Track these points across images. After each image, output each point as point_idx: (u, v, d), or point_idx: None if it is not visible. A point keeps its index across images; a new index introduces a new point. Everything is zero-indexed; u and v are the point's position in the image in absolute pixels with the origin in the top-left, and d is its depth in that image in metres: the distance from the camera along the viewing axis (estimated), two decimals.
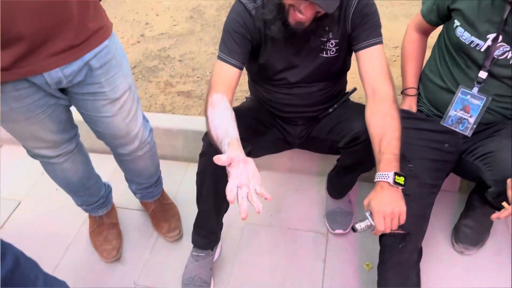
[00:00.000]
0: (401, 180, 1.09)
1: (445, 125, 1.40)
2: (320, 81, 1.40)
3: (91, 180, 1.55)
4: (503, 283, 1.50)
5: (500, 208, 1.17)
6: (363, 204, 1.15)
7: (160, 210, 1.73)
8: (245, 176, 0.96)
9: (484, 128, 1.37)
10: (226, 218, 1.49)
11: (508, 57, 1.24)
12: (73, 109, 1.32)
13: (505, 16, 1.20)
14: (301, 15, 1.12)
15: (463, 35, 1.28)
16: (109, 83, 1.21)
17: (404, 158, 1.14)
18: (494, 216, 1.14)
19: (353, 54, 1.32)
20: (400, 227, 1.11)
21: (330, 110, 1.47)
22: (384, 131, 1.14)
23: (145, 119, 1.48)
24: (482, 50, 1.26)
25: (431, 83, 1.44)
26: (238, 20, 1.25)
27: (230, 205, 1.11)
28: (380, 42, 1.25)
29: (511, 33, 1.21)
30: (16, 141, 1.31)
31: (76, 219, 1.79)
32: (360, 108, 1.31)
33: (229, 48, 1.25)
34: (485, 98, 1.31)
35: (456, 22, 1.30)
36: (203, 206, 1.42)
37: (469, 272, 1.54)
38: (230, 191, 0.94)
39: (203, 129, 1.23)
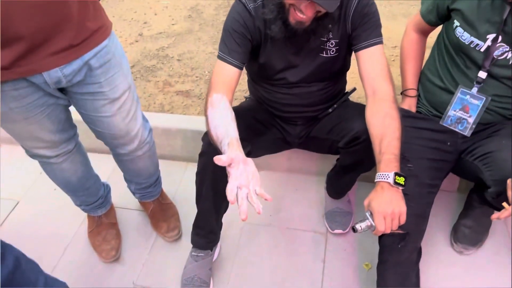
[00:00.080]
0: (401, 180, 1.09)
1: (444, 124, 1.40)
2: (320, 81, 1.39)
3: (90, 180, 1.55)
4: (502, 283, 1.50)
5: (499, 208, 1.17)
6: (362, 204, 1.15)
7: (159, 210, 1.73)
8: (245, 176, 0.96)
9: (483, 128, 1.37)
10: (226, 218, 1.48)
11: (507, 57, 1.25)
12: (72, 108, 1.31)
13: (504, 16, 1.20)
14: (301, 15, 1.12)
15: (463, 35, 1.28)
16: (109, 83, 1.21)
17: (403, 157, 1.14)
18: (494, 216, 1.15)
19: (353, 54, 1.33)
20: (400, 227, 1.11)
21: (330, 110, 1.47)
22: (385, 131, 1.14)
23: (145, 119, 1.48)
24: (482, 50, 1.26)
25: (430, 83, 1.44)
26: (238, 20, 1.24)
27: (230, 205, 1.11)
28: (380, 42, 1.25)
29: (511, 33, 1.22)
30: (14, 141, 1.30)
31: (74, 219, 1.79)
32: (360, 108, 1.31)
33: (229, 48, 1.25)
34: (485, 98, 1.31)
35: (456, 23, 1.30)
36: (203, 206, 1.42)
37: (468, 272, 1.54)
38: (230, 192, 0.94)
39: (202, 128, 1.23)
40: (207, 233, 1.49)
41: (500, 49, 1.24)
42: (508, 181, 1.13)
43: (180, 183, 1.94)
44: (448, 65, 1.37)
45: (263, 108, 1.52)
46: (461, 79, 1.34)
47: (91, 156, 1.58)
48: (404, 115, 1.34)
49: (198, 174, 1.35)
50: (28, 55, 1.03)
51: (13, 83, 1.08)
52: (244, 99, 1.68)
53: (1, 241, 0.82)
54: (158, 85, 2.37)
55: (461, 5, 1.27)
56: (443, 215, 1.71)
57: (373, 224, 1.10)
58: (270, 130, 1.51)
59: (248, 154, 1.37)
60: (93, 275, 1.61)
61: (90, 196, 1.59)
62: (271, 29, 1.20)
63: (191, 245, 1.54)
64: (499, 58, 1.25)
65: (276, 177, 1.94)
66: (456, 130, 1.39)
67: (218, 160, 0.96)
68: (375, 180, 1.12)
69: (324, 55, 1.31)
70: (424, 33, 1.51)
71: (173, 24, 2.93)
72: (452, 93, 1.37)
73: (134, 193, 1.73)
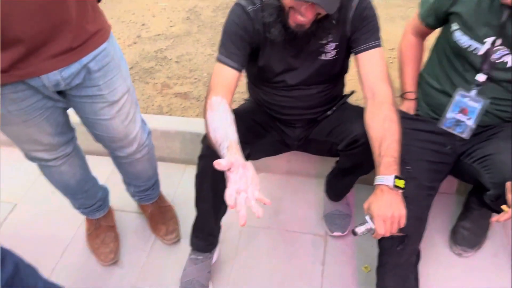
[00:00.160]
0: (401, 183, 1.09)
1: (442, 127, 1.40)
2: (319, 83, 1.39)
3: (88, 183, 1.54)
4: (501, 284, 1.50)
5: (498, 211, 1.18)
6: (361, 206, 1.15)
7: (158, 213, 1.73)
8: (244, 181, 0.96)
9: (482, 130, 1.37)
10: (225, 221, 1.48)
11: (506, 61, 1.25)
12: (70, 111, 1.30)
13: (503, 19, 1.21)
14: (301, 17, 1.11)
15: (461, 38, 1.28)
16: (108, 86, 1.20)
17: (402, 159, 1.14)
18: (494, 219, 1.15)
19: (351, 56, 1.33)
20: (399, 229, 1.11)
21: (329, 112, 1.47)
22: (384, 134, 1.14)
23: (144, 122, 1.47)
24: (480, 53, 1.26)
25: (429, 86, 1.44)
26: (237, 23, 1.24)
27: (229, 208, 1.10)
28: (379, 45, 1.25)
29: (509, 36, 1.22)
30: (11, 143, 1.30)
31: (73, 221, 1.78)
32: (358, 111, 1.31)
33: (228, 51, 1.25)
34: (483, 101, 1.32)
35: (454, 26, 1.30)
36: (202, 208, 1.42)
37: (467, 274, 1.54)
38: (229, 197, 0.94)
39: (201, 131, 1.23)
40: (206, 235, 1.49)
41: (499, 52, 1.24)
42: (507, 184, 1.13)
43: (178, 185, 1.94)
44: (447, 68, 1.37)
45: (262, 111, 1.52)
46: (460, 82, 1.34)
47: (90, 158, 1.57)
48: (403, 116, 1.35)
49: (197, 176, 1.35)
50: (27, 58, 1.03)
51: (11, 86, 1.07)
52: (243, 102, 1.68)
53: (1, 247, 0.82)
54: (157, 87, 2.37)
55: (459, 8, 1.27)
56: (442, 217, 1.71)
57: (373, 227, 1.10)
58: (270, 133, 1.51)
59: (248, 156, 1.37)
60: (91, 278, 1.60)
61: (89, 199, 1.58)
62: (271, 33, 1.20)
63: (190, 248, 1.53)
64: (498, 61, 1.25)
65: (276, 179, 1.94)
66: (455, 132, 1.39)
67: (218, 164, 0.96)
68: (375, 183, 1.12)
69: (324, 58, 1.31)
70: (422, 36, 1.51)
71: (171, 26, 2.93)
72: (450, 96, 1.37)
73: (133, 196, 1.73)
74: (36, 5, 0.97)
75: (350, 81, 1.61)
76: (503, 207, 1.14)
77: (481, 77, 1.29)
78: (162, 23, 2.96)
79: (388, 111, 1.18)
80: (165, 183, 1.80)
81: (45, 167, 1.39)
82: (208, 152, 1.23)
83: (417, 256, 1.38)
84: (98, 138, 1.38)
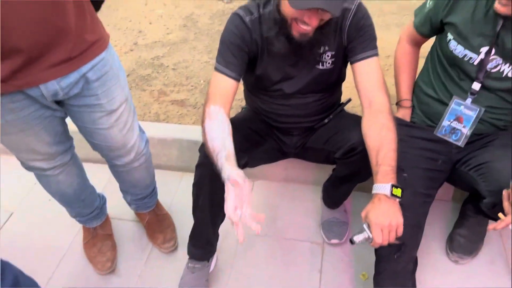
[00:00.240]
0: (398, 192, 1.10)
1: (438, 135, 1.42)
2: (316, 92, 1.40)
3: (85, 192, 1.54)
4: None
5: (495, 218, 1.18)
6: (358, 213, 1.15)
7: (155, 221, 1.72)
8: (239, 198, 1.00)
9: (477, 138, 1.39)
10: (222, 229, 1.48)
11: (500, 70, 1.26)
12: (67, 120, 1.30)
13: (497, 29, 1.22)
14: (305, 26, 1.12)
15: (456, 48, 1.30)
16: (106, 95, 1.20)
17: (398, 166, 1.15)
18: (491, 227, 1.15)
19: (348, 65, 1.34)
20: (396, 238, 1.12)
21: (326, 120, 1.48)
22: (381, 142, 1.15)
23: (141, 130, 1.47)
24: (475, 63, 1.28)
25: (424, 94, 1.45)
26: (235, 32, 1.25)
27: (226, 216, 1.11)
28: (376, 54, 1.26)
29: (504, 46, 1.23)
30: (7, 151, 1.29)
31: (69, 230, 1.77)
32: (355, 119, 1.32)
33: (226, 60, 1.25)
34: (478, 109, 1.33)
35: (449, 36, 1.31)
36: (199, 217, 1.41)
37: (464, 281, 1.55)
38: (234, 214, 0.98)
39: (198, 138, 1.24)
40: (203, 244, 1.48)
41: (494, 61, 1.26)
42: (504, 192, 1.14)
43: (175, 193, 1.93)
44: (442, 76, 1.39)
45: (259, 119, 1.52)
46: (455, 90, 1.36)
47: (87, 166, 1.57)
48: (399, 123, 1.36)
49: (195, 185, 1.35)
50: (25, 68, 1.03)
51: (10, 96, 1.07)
52: (241, 109, 1.68)
53: (1, 260, 0.82)
54: (153, 94, 2.37)
55: (454, 18, 1.29)
56: (438, 225, 1.72)
57: (371, 236, 1.11)
58: (267, 141, 1.51)
59: (245, 164, 1.38)
60: (88, 287, 1.60)
61: (86, 207, 1.58)
62: (275, 46, 1.20)
63: (187, 256, 1.53)
64: (493, 70, 1.27)
65: (273, 186, 1.94)
66: (450, 140, 1.40)
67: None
68: (372, 192, 1.13)
69: (320, 67, 1.32)
70: (417, 44, 1.53)
71: (168, 33, 2.93)
72: (446, 104, 1.38)
73: (130, 204, 1.72)
74: (35, 15, 0.98)
75: (347, 88, 1.62)
76: (500, 215, 1.14)
77: (476, 86, 1.31)
78: (159, 30, 2.97)
79: (385, 120, 1.19)
80: (162, 191, 1.80)
81: (42, 176, 1.39)
82: (206, 160, 1.23)
83: (414, 263, 1.38)
84: (96, 147, 1.37)
